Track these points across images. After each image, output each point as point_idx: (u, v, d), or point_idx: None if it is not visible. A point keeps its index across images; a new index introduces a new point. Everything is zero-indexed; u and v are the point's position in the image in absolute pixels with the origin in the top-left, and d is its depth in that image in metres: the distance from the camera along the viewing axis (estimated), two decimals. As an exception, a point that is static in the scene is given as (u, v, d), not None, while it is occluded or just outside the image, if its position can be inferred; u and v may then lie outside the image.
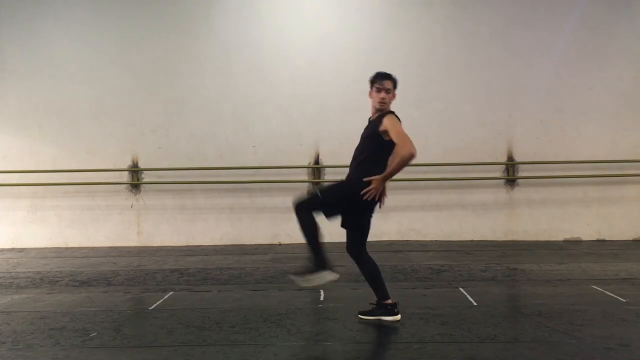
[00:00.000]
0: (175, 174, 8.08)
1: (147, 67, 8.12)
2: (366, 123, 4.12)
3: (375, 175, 3.64)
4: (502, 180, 8.05)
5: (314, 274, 3.67)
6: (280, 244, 7.91)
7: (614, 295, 4.57)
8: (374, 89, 3.95)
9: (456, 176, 7.94)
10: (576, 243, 7.78)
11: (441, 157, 7.93)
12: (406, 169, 8.59)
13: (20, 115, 8.19)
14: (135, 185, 8.15)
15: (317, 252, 3.68)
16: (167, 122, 8.13)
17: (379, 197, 3.73)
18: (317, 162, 7.98)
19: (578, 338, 3.50)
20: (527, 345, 3.39)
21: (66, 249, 7.99)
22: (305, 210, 3.68)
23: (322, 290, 4.88)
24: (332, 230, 7.95)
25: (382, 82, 3.93)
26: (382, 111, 3.91)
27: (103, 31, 8.11)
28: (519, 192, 8.04)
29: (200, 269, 6.15)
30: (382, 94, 3.89)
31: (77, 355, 3.36)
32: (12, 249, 8.01)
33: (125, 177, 8.16)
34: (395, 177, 8.71)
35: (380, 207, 3.86)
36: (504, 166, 8.05)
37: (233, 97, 8.08)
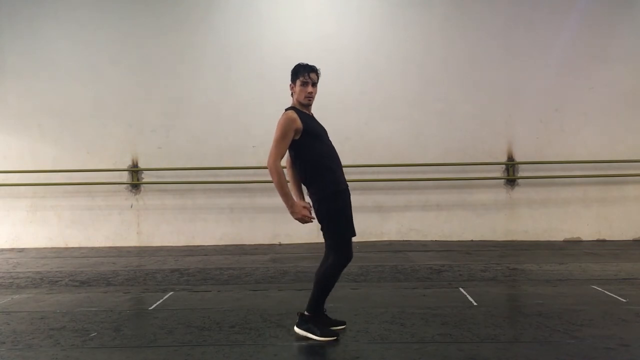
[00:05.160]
0: (175, 174, 8.08)
1: (147, 67, 8.13)
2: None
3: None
4: (502, 180, 8.05)
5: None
6: (280, 244, 7.91)
7: (614, 295, 4.57)
8: (299, 82, 3.55)
9: (456, 176, 7.94)
10: (576, 243, 7.78)
11: (441, 157, 7.94)
12: (406, 169, 8.65)
13: (20, 115, 8.19)
14: (135, 185, 8.15)
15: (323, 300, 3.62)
16: (167, 122, 8.13)
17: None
18: (317, 162, 7.98)
19: (578, 338, 3.50)
20: (527, 345, 3.39)
21: (66, 249, 7.99)
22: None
23: (322, 290, 4.88)
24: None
25: (309, 75, 3.54)
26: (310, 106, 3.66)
27: (103, 31, 8.11)
28: (519, 192, 8.04)
29: (200, 269, 6.15)
30: (310, 88, 3.55)
31: (77, 355, 3.36)
32: (12, 249, 8.01)
33: (125, 177, 8.16)
34: (395, 177, 8.70)
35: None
36: (504, 166, 8.05)
37: (233, 97, 8.08)
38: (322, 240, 3.67)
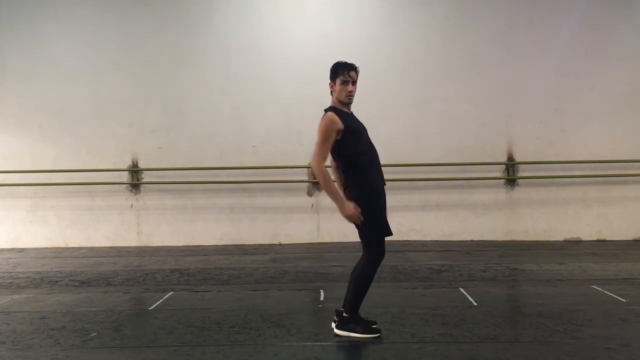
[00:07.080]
0: (175, 174, 8.08)
1: (147, 67, 8.12)
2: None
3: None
4: (502, 180, 8.05)
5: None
6: (280, 244, 7.91)
7: (614, 295, 4.57)
8: (339, 81, 3.55)
9: (456, 176, 7.93)
10: (576, 243, 7.78)
11: (441, 157, 7.93)
12: (406, 169, 8.64)
13: (20, 115, 8.18)
14: (135, 185, 8.15)
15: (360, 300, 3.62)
16: (167, 122, 8.13)
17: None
18: (317, 162, 7.98)
19: (578, 338, 3.50)
20: (527, 345, 3.39)
21: (66, 249, 7.99)
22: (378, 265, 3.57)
23: (322, 291, 4.88)
24: (332, 230, 7.93)
25: (349, 73, 3.55)
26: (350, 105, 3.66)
27: (103, 31, 8.11)
28: (519, 192, 8.04)
29: (200, 269, 6.15)
30: (350, 87, 3.55)
31: (77, 355, 3.36)
32: (12, 249, 8.01)
33: (125, 177, 8.16)
34: (395, 177, 8.70)
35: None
36: (504, 166, 8.04)
37: (233, 97, 8.08)
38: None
